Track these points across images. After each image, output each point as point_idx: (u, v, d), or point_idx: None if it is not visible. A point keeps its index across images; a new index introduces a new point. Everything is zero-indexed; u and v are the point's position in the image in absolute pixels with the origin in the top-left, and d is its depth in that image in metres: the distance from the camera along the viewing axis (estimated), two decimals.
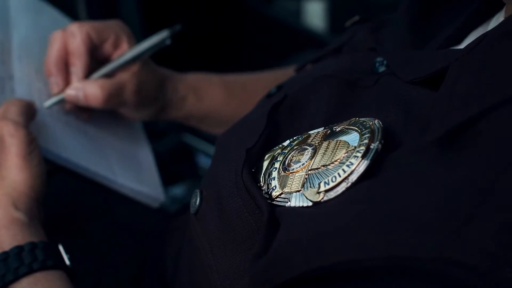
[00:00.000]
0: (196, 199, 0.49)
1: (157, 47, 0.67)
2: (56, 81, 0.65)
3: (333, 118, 0.46)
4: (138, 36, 1.03)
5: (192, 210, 0.49)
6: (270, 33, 1.62)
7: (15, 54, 0.65)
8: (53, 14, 0.74)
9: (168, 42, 0.68)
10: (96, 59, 0.67)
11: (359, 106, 0.46)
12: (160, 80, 0.71)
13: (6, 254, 0.50)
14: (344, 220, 0.35)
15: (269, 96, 0.57)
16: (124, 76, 0.67)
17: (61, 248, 0.53)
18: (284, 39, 1.60)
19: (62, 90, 0.65)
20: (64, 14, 0.76)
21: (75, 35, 0.64)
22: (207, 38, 1.57)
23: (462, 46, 0.49)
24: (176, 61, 0.96)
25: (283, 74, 0.76)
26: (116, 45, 0.67)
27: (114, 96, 0.65)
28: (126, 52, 0.67)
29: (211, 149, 1.13)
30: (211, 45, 1.57)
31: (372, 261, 0.32)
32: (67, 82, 0.66)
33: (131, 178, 0.69)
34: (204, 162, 1.14)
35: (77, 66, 0.65)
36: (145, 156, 0.75)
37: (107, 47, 0.67)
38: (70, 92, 0.64)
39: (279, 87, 0.57)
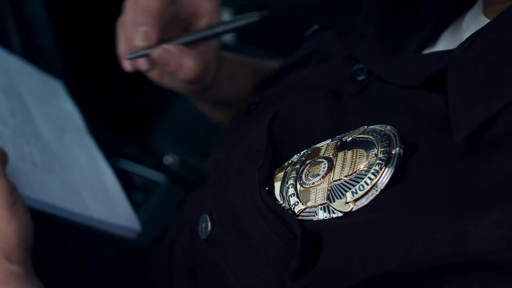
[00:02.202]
0: (207, 224, 0.48)
1: (241, 29, 0.63)
2: (148, 32, 0.58)
3: (333, 129, 0.47)
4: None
5: (203, 235, 0.48)
6: None
7: None
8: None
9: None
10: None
11: (355, 115, 0.47)
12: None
13: None
14: (393, 224, 0.35)
15: (248, 113, 0.57)
16: (208, 53, 0.62)
17: None
18: None
19: (150, 46, 0.59)
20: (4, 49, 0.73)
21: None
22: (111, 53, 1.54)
23: (438, 46, 0.52)
24: None
25: (267, 65, 0.76)
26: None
27: (202, 71, 0.61)
28: (216, 24, 0.62)
29: (146, 172, 1.11)
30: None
31: (438, 260, 0.33)
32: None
33: (106, 212, 0.66)
34: (141, 184, 1.12)
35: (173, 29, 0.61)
36: (111, 184, 0.73)
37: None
38: (160, 52, 0.58)
39: (257, 103, 0.58)
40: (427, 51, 0.52)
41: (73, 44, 1.05)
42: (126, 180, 1.12)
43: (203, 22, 0.62)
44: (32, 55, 0.94)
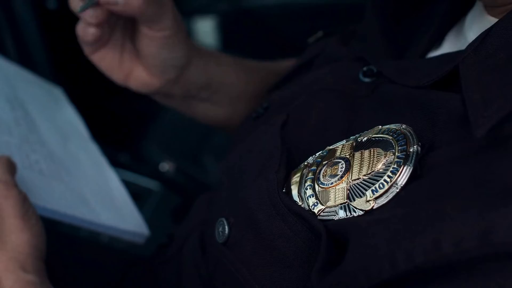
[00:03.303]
0: (224, 228, 0.48)
1: None
2: None
3: (347, 130, 0.48)
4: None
5: (220, 239, 0.49)
6: None
7: None
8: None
9: None
10: None
11: (367, 116, 0.48)
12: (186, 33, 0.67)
13: None
14: (417, 219, 0.36)
15: (256, 117, 0.58)
16: None
17: None
18: None
19: None
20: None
21: None
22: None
23: (443, 48, 0.53)
24: None
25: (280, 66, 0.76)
26: None
27: (154, 3, 0.59)
28: None
29: (141, 180, 1.11)
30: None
31: (466, 252, 0.34)
32: None
33: (115, 218, 0.66)
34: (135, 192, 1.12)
35: None
36: (118, 190, 0.73)
37: None
38: None
39: (265, 108, 0.58)
40: (432, 53, 0.54)
41: (64, 52, 1.05)
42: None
43: None
44: (25, 62, 0.94)
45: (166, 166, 1.10)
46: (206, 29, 1.66)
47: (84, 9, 0.58)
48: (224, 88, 0.74)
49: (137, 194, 1.10)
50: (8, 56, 0.91)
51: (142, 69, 0.66)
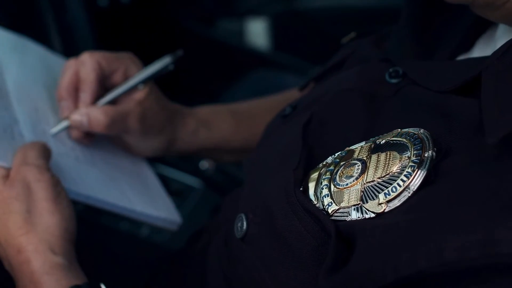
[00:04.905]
0: (242, 223, 0.49)
1: (160, 73, 0.69)
2: (66, 105, 0.67)
3: (368, 132, 0.48)
4: None
5: (239, 234, 0.49)
6: (214, 55, 1.63)
7: (14, 98, 0.64)
8: (38, 50, 0.74)
9: (171, 67, 0.70)
10: (106, 89, 0.69)
11: (389, 117, 0.48)
12: (168, 112, 0.72)
13: None
14: (425, 225, 0.36)
15: (284, 116, 0.59)
16: (129, 104, 0.68)
17: (103, 287, 0.53)
18: (229, 60, 1.62)
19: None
20: (47, 48, 0.75)
21: (85, 63, 0.66)
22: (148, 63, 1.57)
23: (473, 53, 0.52)
24: None
25: (286, 97, 0.77)
26: (126, 76, 0.69)
27: (118, 122, 0.66)
28: (130, 78, 0.68)
29: (182, 177, 1.13)
30: None
31: (470, 261, 0.34)
32: (76, 107, 0.67)
33: (148, 205, 0.69)
34: (177, 189, 1.14)
35: (86, 92, 0.66)
36: (152, 180, 0.75)
37: (117, 77, 0.69)
38: (75, 117, 0.65)
39: (294, 107, 0.59)
40: (461, 57, 0.53)
41: (112, 49, 1.08)
42: (163, 184, 1.15)
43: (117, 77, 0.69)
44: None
45: (206, 164, 1.12)
46: (258, 30, 1.68)
47: (58, 132, 0.66)
48: (223, 145, 0.78)
49: (178, 191, 1.12)
50: (53, 48, 0.95)
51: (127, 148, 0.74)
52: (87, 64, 0.66)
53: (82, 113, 0.65)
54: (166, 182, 1.14)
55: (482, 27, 0.53)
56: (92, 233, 0.88)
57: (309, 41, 1.60)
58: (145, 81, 0.68)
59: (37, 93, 0.67)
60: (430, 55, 0.55)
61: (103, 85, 0.68)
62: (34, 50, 0.73)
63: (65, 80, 0.67)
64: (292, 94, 0.76)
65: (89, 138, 0.69)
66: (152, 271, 0.75)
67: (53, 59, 0.74)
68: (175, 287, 0.67)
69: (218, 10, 1.71)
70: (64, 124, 0.66)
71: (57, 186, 0.55)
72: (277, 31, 1.66)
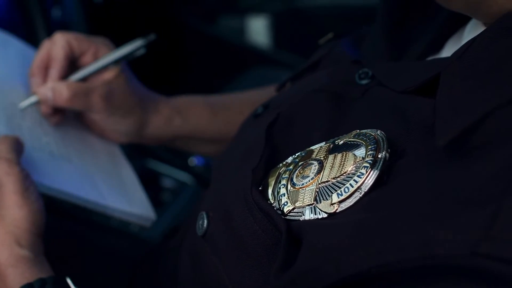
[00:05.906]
0: (203, 221, 0.50)
1: (131, 56, 0.71)
2: (35, 81, 0.70)
3: (331, 132, 0.48)
4: None
5: (200, 232, 0.50)
6: (215, 52, 1.64)
7: None
8: (18, 46, 0.75)
9: (142, 51, 0.72)
10: (77, 68, 0.71)
11: (353, 118, 0.48)
12: (139, 96, 0.74)
13: None
14: (370, 226, 0.36)
15: (256, 115, 0.59)
16: (95, 82, 0.71)
17: (69, 281, 0.53)
18: (230, 57, 1.62)
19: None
20: (29, 44, 0.76)
21: (56, 42, 0.70)
22: (149, 59, 1.58)
23: (442, 53, 0.52)
24: None
25: (265, 93, 0.78)
26: (96, 57, 0.71)
27: (80, 97, 0.69)
28: (100, 58, 0.71)
29: (175, 173, 1.13)
30: (155, 67, 1.58)
31: (408, 262, 0.34)
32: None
33: (121, 201, 0.69)
34: (169, 185, 1.15)
35: (54, 68, 0.69)
36: (129, 176, 0.75)
37: (87, 57, 0.71)
38: (41, 90, 0.69)
39: (265, 106, 0.59)
40: (430, 58, 0.53)
41: None
42: (155, 180, 1.16)
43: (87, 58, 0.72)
44: None
45: (194, 161, 1.12)
46: (258, 28, 1.68)
47: (27, 106, 0.69)
48: (198, 134, 0.79)
49: (171, 187, 1.13)
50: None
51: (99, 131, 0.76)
52: (58, 42, 0.70)
53: (48, 87, 0.68)
54: (158, 178, 1.15)
55: (453, 27, 0.53)
56: (82, 229, 0.89)
57: (309, 39, 1.60)
58: (116, 62, 0.71)
59: (13, 88, 0.68)
60: (401, 55, 0.55)
61: (74, 66, 0.71)
62: (14, 45, 0.74)
63: (37, 58, 0.70)
64: (270, 91, 0.76)
65: (59, 117, 0.71)
66: (136, 267, 0.75)
67: (34, 54, 0.75)
68: (152, 283, 0.68)
69: (219, 7, 1.71)
70: (33, 99, 0.69)
71: (26, 180, 0.55)
72: (278, 29, 1.66)
